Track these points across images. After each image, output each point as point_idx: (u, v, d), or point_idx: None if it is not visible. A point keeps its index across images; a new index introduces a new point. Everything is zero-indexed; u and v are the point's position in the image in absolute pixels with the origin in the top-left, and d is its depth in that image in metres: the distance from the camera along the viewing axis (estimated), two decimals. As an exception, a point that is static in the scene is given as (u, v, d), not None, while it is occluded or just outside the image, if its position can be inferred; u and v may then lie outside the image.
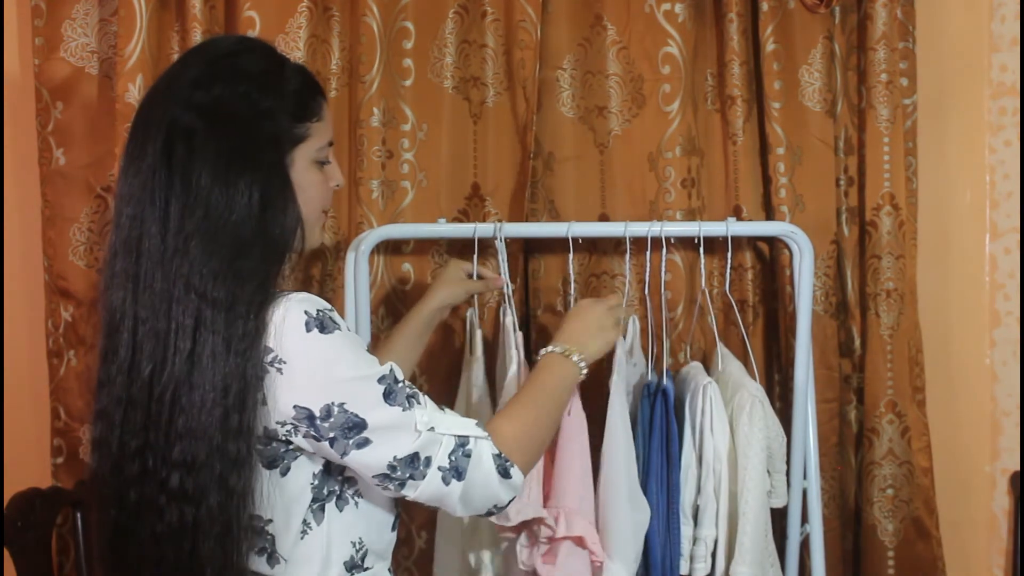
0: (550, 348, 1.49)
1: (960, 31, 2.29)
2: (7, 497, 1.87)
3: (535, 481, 1.72)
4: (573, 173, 2.18)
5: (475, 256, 1.93)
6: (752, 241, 2.19)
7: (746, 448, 1.83)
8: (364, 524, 1.31)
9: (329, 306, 1.23)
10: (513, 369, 1.78)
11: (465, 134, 2.15)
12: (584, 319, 1.56)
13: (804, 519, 2.04)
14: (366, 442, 1.20)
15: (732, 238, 1.98)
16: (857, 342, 2.23)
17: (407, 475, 1.22)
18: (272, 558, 1.26)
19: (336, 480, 1.28)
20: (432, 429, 1.23)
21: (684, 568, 1.86)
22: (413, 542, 2.17)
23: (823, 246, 2.17)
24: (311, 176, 1.30)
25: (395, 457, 1.21)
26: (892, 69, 2.17)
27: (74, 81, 2.09)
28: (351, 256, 1.96)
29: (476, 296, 1.93)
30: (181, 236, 1.18)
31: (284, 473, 1.24)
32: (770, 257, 2.20)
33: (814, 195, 2.18)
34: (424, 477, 1.23)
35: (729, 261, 2.00)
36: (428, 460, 1.23)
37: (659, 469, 1.87)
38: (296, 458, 1.24)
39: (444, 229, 2.03)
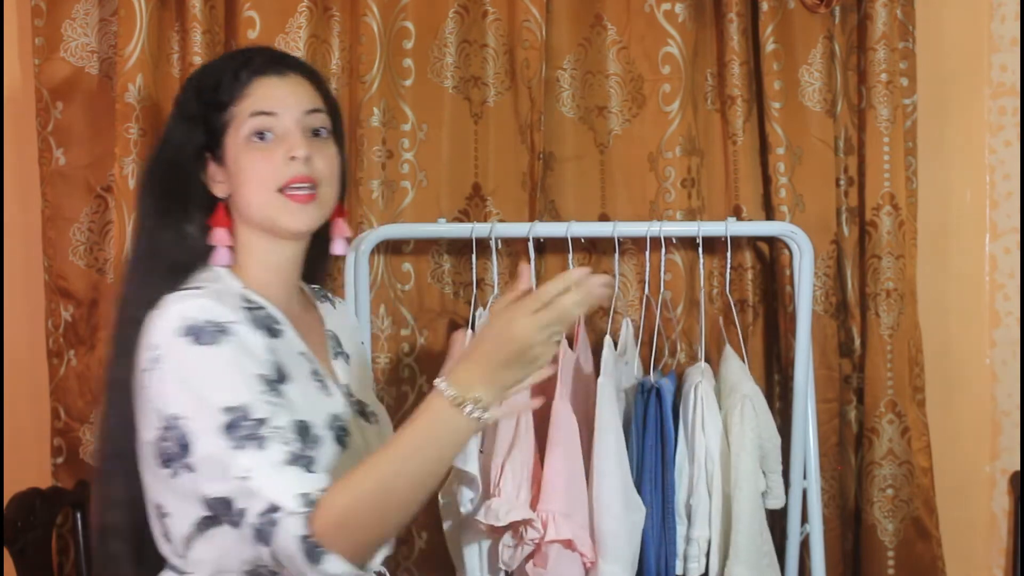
0: (440, 384, 1.12)
1: (960, 31, 2.29)
2: (7, 497, 1.86)
3: (525, 483, 1.72)
4: (573, 173, 2.18)
5: (473, 256, 1.94)
6: (752, 241, 2.19)
7: (738, 448, 1.84)
8: None
9: (223, 319, 1.18)
10: None
11: (466, 134, 2.15)
12: (498, 343, 1.11)
13: (804, 519, 2.04)
14: (191, 468, 1.15)
15: (732, 238, 1.99)
16: (857, 342, 2.23)
17: (224, 517, 1.15)
18: (173, 551, 1.24)
19: None
20: (245, 479, 1.12)
21: (679, 568, 1.86)
22: (413, 542, 2.17)
23: (823, 246, 2.17)
24: (245, 156, 1.27)
25: (206, 496, 1.15)
26: (892, 69, 2.17)
27: (74, 81, 2.09)
28: (351, 256, 1.96)
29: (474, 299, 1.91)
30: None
31: (174, 476, 1.19)
32: (770, 257, 2.20)
33: (814, 195, 2.18)
34: (238, 527, 1.14)
35: (729, 261, 2.00)
36: (242, 512, 1.13)
37: (653, 469, 1.87)
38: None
39: (444, 229, 2.03)
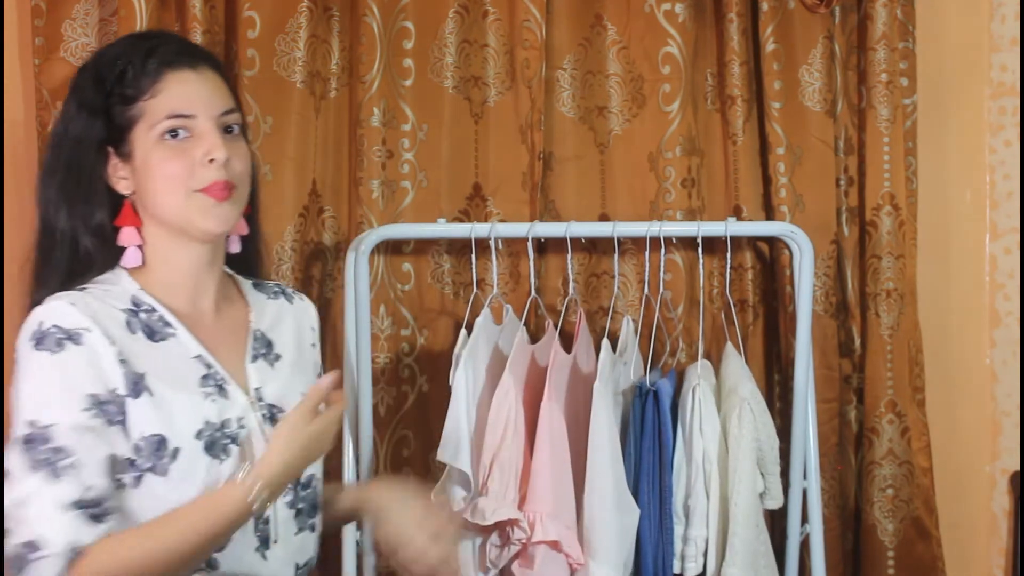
0: (240, 477, 1.16)
1: (960, 31, 2.29)
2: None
3: (512, 482, 1.72)
4: (573, 173, 2.18)
5: (473, 256, 1.94)
6: (752, 241, 2.19)
7: (736, 450, 1.84)
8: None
9: (74, 326, 1.16)
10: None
11: (466, 134, 2.15)
12: (286, 439, 1.19)
13: (804, 519, 2.04)
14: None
15: (732, 238, 1.99)
16: (857, 342, 2.23)
17: (10, 525, 1.11)
18: None
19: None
20: (23, 504, 1.09)
21: (676, 568, 1.86)
22: (413, 542, 2.17)
23: (823, 246, 2.17)
24: (157, 154, 1.21)
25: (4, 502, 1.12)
26: (892, 69, 2.17)
27: (74, 81, 2.09)
28: (351, 256, 1.96)
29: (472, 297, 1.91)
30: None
31: None
32: (770, 257, 2.20)
33: (814, 195, 2.18)
34: (3, 549, 1.11)
35: (729, 261, 2.00)
36: (9, 532, 1.10)
37: (651, 470, 1.87)
38: None
39: (444, 229, 2.03)
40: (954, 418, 2.32)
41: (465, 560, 1.84)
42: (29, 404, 1.13)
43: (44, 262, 1.27)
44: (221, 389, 1.24)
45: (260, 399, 1.29)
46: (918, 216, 2.25)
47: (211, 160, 1.21)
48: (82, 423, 1.13)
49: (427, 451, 2.15)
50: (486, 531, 1.74)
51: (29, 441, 1.11)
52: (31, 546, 1.08)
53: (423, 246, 2.15)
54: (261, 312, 1.37)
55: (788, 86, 2.17)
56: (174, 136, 1.22)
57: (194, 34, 2.00)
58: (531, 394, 1.82)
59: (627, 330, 2.00)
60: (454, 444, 1.78)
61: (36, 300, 1.22)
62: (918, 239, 2.25)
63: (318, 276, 2.14)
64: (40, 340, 1.15)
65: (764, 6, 2.15)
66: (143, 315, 1.23)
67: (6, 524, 1.10)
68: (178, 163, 1.21)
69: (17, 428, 1.13)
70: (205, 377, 1.24)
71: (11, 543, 1.10)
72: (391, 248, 2.14)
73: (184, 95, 1.22)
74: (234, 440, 1.22)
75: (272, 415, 1.29)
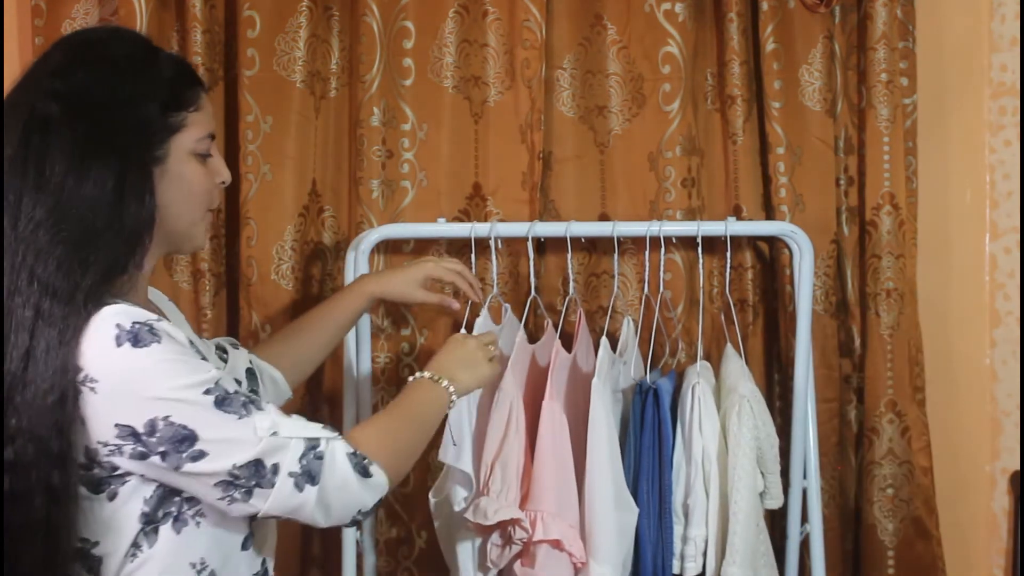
0: (419, 374, 1.46)
1: (960, 31, 2.29)
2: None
3: (514, 482, 1.72)
4: (573, 173, 2.18)
5: (472, 256, 1.94)
6: (752, 241, 2.19)
7: (735, 448, 1.84)
8: (206, 545, 1.24)
9: (148, 317, 1.16)
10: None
11: (466, 134, 2.15)
12: (454, 353, 1.52)
13: (804, 519, 2.04)
14: (201, 454, 1.14)
15: (732, 238, 1.99)
16: (857, 342, 2.23)
17: (253, 483, 1.16)
18: None
19: (174, 502, 1.21)
20: (275, 434, 1.17)
21: (676, 567, 1.86)
22: (413, 542, 2.17)
23: (823, 246, 2.17)
24: (191, 168, 1.25)
25: (235, 465, 1.15)
26: (892, 69, 2.17)
27: (74, 81, 2.09)
28: (351, 256, 1.96)
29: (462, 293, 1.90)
30: (30, 225, 1.13)
31: (112, 498, 1.18)
32: (770, 257, 2.20)
33: (814, 195, 2.18)
34: (273, 485, 1.16)
35: (729, 261, 2.00)
36: (276, 467, 1.16)
37: (650, 469, 1.87)
38: (124, 483, 1.18)
39: (443, 229, 2.03)
40: (954, 418, 2.32)
41: (465, 560, 1.84)
42: (187, 377, 1.15)
43: (94, 248, 1.18)
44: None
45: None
46: (918, 216, 2.25)
47: (222, 182, 1.32)
48: (218, 372, 1.21)
49: (427, 450, 2.15)
50: (487, 531, 1.74)
51: (222, 401, 1.16)
52: (309, 449, 1.19)
53: (423, 246, 2.15)
54: (165, 311, 1.39)
55: (788, 86, 2.17)
56: (206, 157, 1.28)
57: (194, 34, 2.00)
58: (530, 394, 1.82)
59: (627, 330, 2.00)
60: (455, 445, 1.78)
61: (86, 287, 1.13)
62: (918, 239, 2.25)
63: (318, 276, 2.14)
64: (136, 339, 1.13)
65: (764, 6, 2.15)
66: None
67: (268, 463, 1.17)
68: (207, 182, 1.28)
69: (190, 409, 1.14)
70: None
71: (286, 471, 1.18)
72: (391, 248, 2.14)
73: (211, 117, 1.30)
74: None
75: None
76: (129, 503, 1.19)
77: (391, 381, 2.14)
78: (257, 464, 1.16)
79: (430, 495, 1.88)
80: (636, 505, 1.82)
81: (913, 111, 2.22)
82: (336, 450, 1.20)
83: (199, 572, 1.23)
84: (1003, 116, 2.29)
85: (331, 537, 2.08)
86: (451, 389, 1.44)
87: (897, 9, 2.17)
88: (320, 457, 1.18)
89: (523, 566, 1.72)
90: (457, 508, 1.79)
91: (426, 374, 1.44)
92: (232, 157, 2.06)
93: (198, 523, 1.23)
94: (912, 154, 2.23)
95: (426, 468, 2.15)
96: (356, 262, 1.95)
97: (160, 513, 1.20)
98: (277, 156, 2.07)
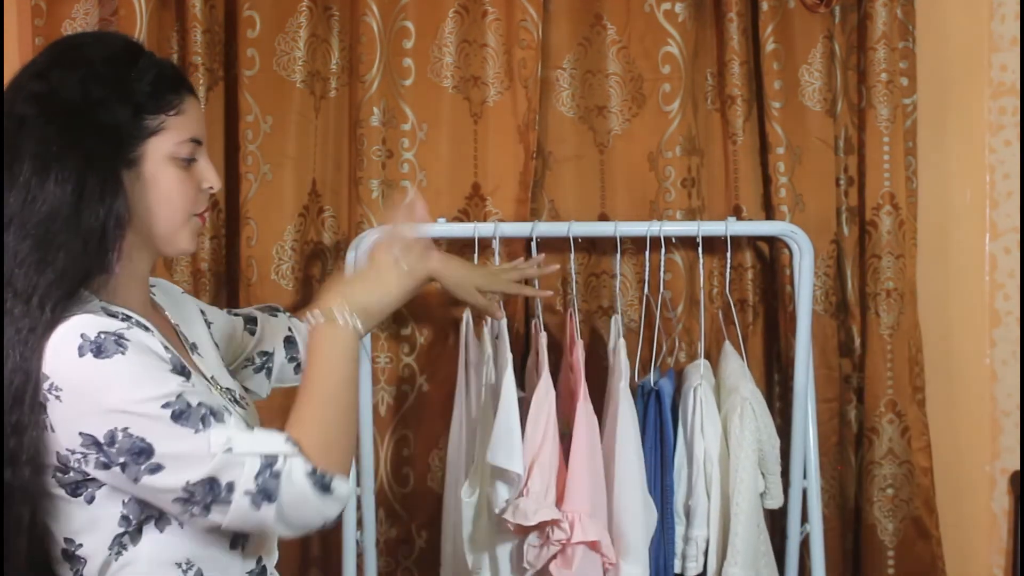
0: (308, 316, 1.26)
1: (960, 31, 2.29)
2: (7, 497, 1.86)
3: (551, 483, 1.72)
4: (573, 173, 2.18)
5: (475, 256, 1.94)
6: (752, 241, 2.19)
7: (737, 450, 1.84)
8: (191, 545, 1.23)
9: (117, 327, 1.15)
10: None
11: (465, 134, 2.15)
12: (357, 273, 1.41)
13: (804, 519, 2.04)
14: (158, 467, 1.12)
15: (732, 238, 1.99)
16: (857, 342, 2.23)
17: (209, 500, 1.13)
18: None
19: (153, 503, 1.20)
20: (230, 450, 1.13)
21: (677, 567, 1.87)
22: (413, 542, 2.17)
23: (823, 246, 2.17)
24: (168, 173, 1.23)
25: (188, 482, 1.13)
26: (892, 69, 2.17)
27: (74, 81, 2.08)
28: (351, 256, 1.96)
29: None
30: (2, 224, 1.14)
31: (89, 501, 1.17)
32: (770, 257, 2.20)
33: (814, 195, 2.18)
34: (230, 503, 1.14)
35: (729, 261, 2.00)
36: (231, 485, 1.13)
37: (652, 469, 1.87)
38: (101, 487, 1.17)
39: (444, 229, 2.03)
40: (954, 418, 2.32)
41: (503, 561, 1.83)
42: (147, 390, 1.13)
43: (55, 249, 1.17)
44: (203, 379, 1.29)
45: (218, 384, 1.34)
46: (918, 216, 2.25)
47: (209, 189, 1.28)
48: (184, 383, 1.17)
49: (427, 451, 2.16)
50: (524, 532, 1.73)
51: (179, 415, 1.13)
52: (266, 467, 1.14)
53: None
54: (164, 306, 1.39)
55: (788, 86, 2.17)
56: (190, 161, 1.25)
57: (194, 34, 2.00)
58: (564, 394, 1.84)
59: (616, 330, 1.98)
60: (507, 446, 1.74)
61: (43, 288, 1.14)
62: (918, 239, 2.25)
63: (318, 276, 2.14)
64: (99, 349, 1.12)
65: (764, 6, 2.14)
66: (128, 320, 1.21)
67: (223, 481, 1.13)
68: (188, 187, 1.25)
69: (147, 422, 1.12)
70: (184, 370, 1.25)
71: (242, 489, 1.13)
72: (391, 248, 2.13)
73: (198, 121, 1.27)
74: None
75: (233, 397, 1.36)
76: (107, 506, 1.18)
77: (391, 381, 2.14)
78: (212, 482, 1.13)
79: (462, 494, 1.83)
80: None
81: (913, 111, 2.22)
82: (294, 468, 1.15)
83: (185, 572, 1.23)
84: (1003, 116, 2.29)
85: (331, 537, 2.08)
86: (355, 324, 1.24)
87: (897, 9, 2.17)
88: (277, 476, 1.14)
89: (560, 567, 1.71)
90: (497, 510, 1.77)
91: (319, 316, 1.24)
92: (232, 157, 2.06)
93: (181, 523, 1.21)
94: (912, 154, 2.23)
95: (426, 468, 2.15)
96: (356, 262, 1.95)
97: (142, 514, 1.20)
98: (277, 156, 2.07)
